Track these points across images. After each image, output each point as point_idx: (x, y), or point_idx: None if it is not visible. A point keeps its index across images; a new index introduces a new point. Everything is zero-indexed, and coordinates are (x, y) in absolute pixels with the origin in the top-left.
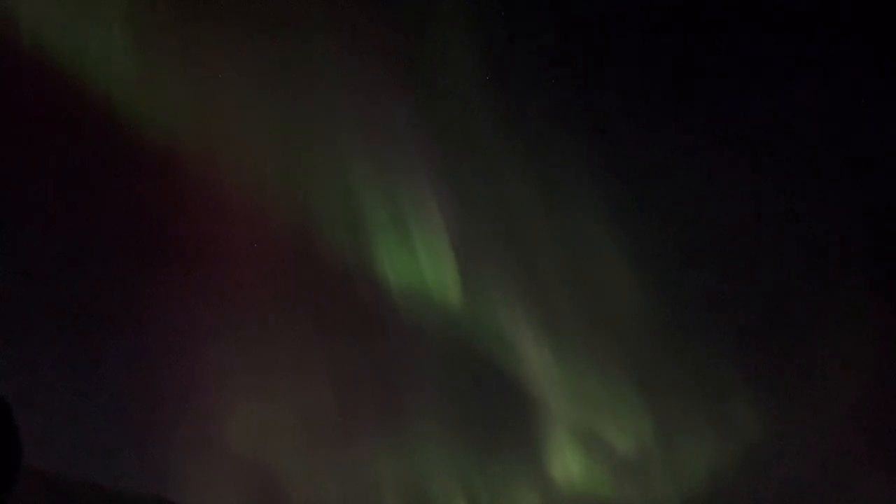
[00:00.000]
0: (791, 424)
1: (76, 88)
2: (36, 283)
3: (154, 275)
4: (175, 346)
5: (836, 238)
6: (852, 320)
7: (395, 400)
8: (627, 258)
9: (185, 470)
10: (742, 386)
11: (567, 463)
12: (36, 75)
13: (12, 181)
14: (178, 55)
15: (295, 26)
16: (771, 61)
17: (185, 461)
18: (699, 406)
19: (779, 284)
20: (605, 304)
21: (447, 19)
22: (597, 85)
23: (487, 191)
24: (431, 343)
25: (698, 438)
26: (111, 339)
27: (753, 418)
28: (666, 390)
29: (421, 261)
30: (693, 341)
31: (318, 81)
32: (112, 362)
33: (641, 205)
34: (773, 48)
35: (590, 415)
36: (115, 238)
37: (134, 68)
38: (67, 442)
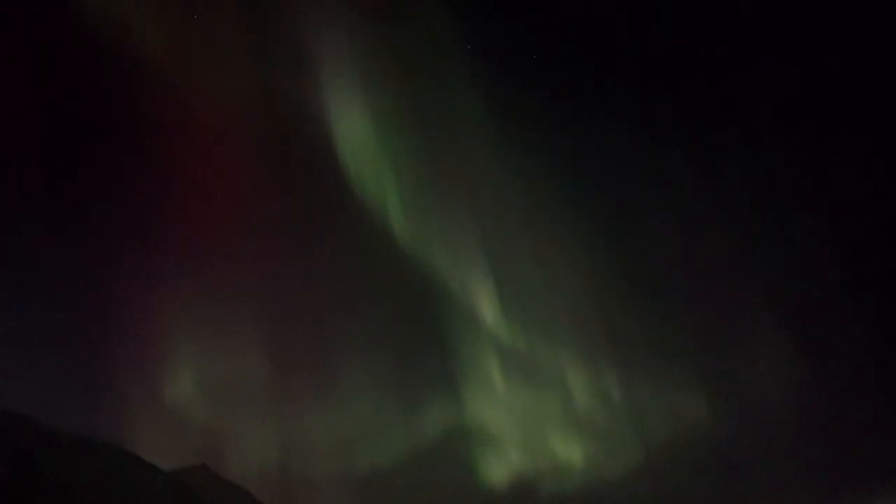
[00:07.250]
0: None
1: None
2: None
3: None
4: (128, 297)
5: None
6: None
7: (329, 355)
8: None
9: (134, 422)
10: (703, 342)
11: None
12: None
13: None
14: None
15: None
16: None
17: (135, 414)
18: (660, 362)
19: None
20: (566, 270)
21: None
22: (576, 77)
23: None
24: (372, 281)
25: (659, 393)
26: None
27: (712, 374)
28: (626, 346)
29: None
30: (655, 300)
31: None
32: (71, 311)
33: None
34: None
35: (545, 369)
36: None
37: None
38: (32, 387)
